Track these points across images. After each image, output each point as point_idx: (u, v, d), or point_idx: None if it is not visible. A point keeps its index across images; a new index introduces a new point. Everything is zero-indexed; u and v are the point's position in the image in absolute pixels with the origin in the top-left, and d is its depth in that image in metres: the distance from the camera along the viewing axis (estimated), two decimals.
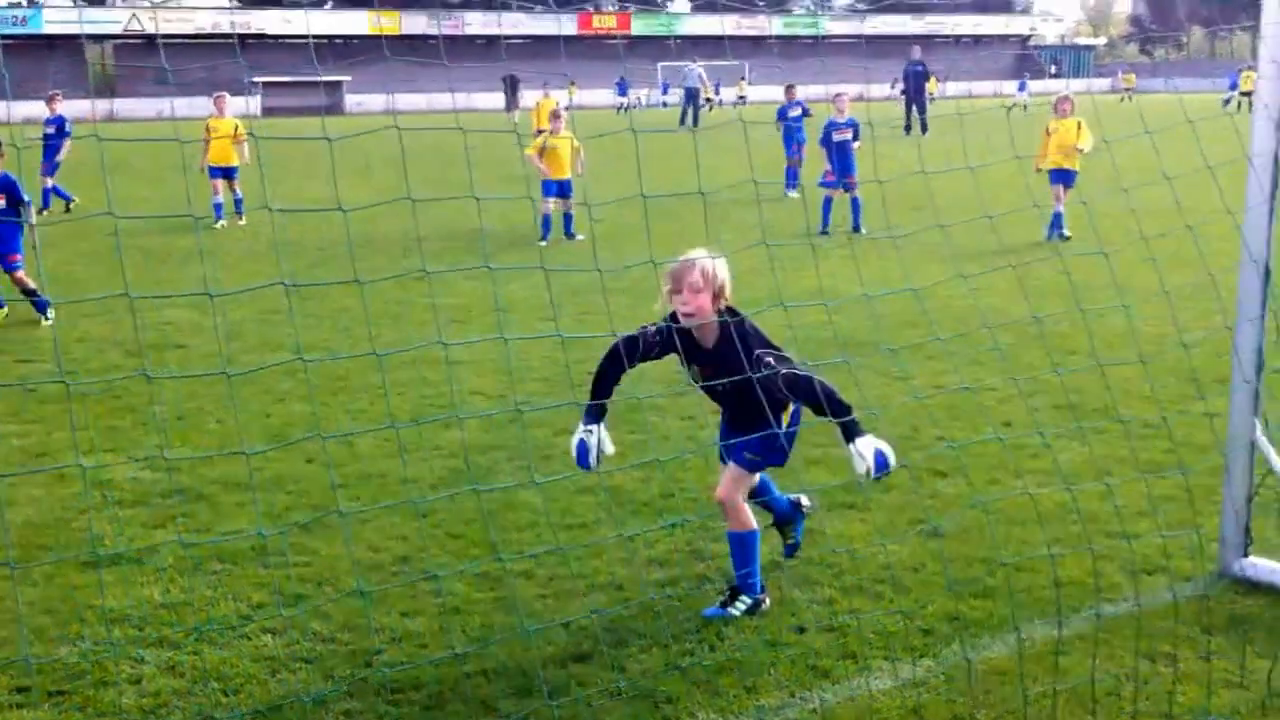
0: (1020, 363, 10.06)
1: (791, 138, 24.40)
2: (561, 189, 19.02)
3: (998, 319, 11.00)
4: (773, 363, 5.34)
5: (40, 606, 5.84)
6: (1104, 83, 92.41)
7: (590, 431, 5.46)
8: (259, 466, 7.82)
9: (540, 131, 22.46)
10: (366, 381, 9.95)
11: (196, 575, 6.21)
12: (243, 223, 21.63)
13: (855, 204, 19.08)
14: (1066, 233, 17.70)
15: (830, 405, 5.20)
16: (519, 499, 7.21)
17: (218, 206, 21.47)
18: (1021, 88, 63.44)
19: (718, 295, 5.42)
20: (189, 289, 14.35)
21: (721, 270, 5.43)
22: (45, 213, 22.93)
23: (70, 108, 26.75)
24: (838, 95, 20.43)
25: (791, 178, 24.24)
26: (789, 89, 25.33)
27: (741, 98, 70.65)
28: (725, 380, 5.41)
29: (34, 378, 10.47)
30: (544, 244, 18.41)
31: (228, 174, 21.76)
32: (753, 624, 5.61)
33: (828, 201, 19.33)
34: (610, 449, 5.49)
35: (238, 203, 21.96)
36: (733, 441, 5.72)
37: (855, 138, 19.28)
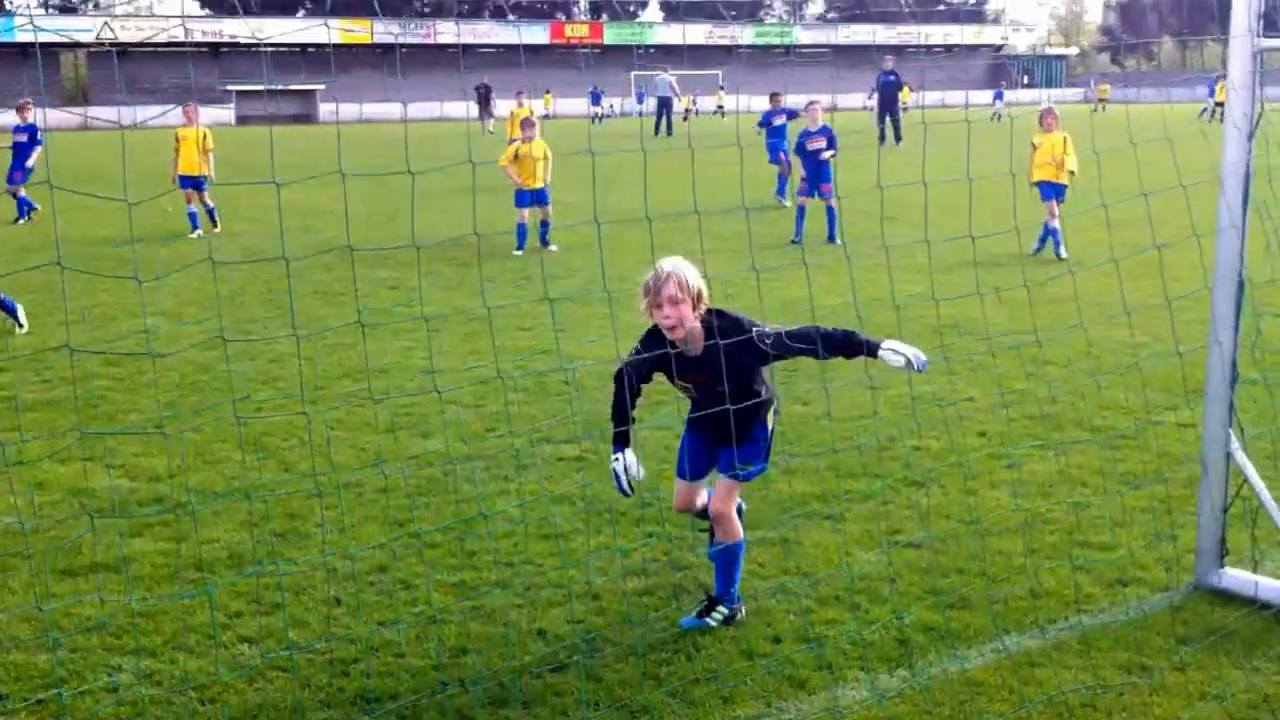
0: (995, 373, 10.12)
1: (777, 146, 24.38)
2: (536, 197, 18.87)
3: (974, 330, 11.05)
4: (769, 336, 5.42)
5: (18, 614, 5.82)
6: (1076, 93, 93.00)
7: (618, 459, 5.46)
8: (236, 475, 7.80)
9: (513, 140, 22.44)
10: (344, 390, 9.93)
11: (173, 584, 6.19)
12: (217, 230, 21.40)
13: (830, 213, 19.08)
14: (1064, 253, 16.69)
15: (843, 342, 5.44)
16: (496, 508, 7.21)
17: (192, 216, 21.23)
18: (998, 96, 63.83)
19: (697, 301, 5.42)
20: (166, 300, 14.30)
21: (695, 275, 5.43)
22: (24, 221, 22.84)
23: (43, 116, 26.51)
24: (810, 104, 20.47)
25: (782, 184, 24.36)
26: (774, 96, 25.14)
27: (720, 107, 70.73)
28: (716, 384, 5.40)
29: (11, 386, 10.41)
30: (520, 253, 18.38)
31: (196, 184, 21.27)
32: (729, 634, 5.62)
33: (801, 210, 19.35)
34: (640, 473, 5.47)
35: (210, 213, 21.63)
36: (720, 453, 5.71)
37: (830, 146, 19.28)
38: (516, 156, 18.97)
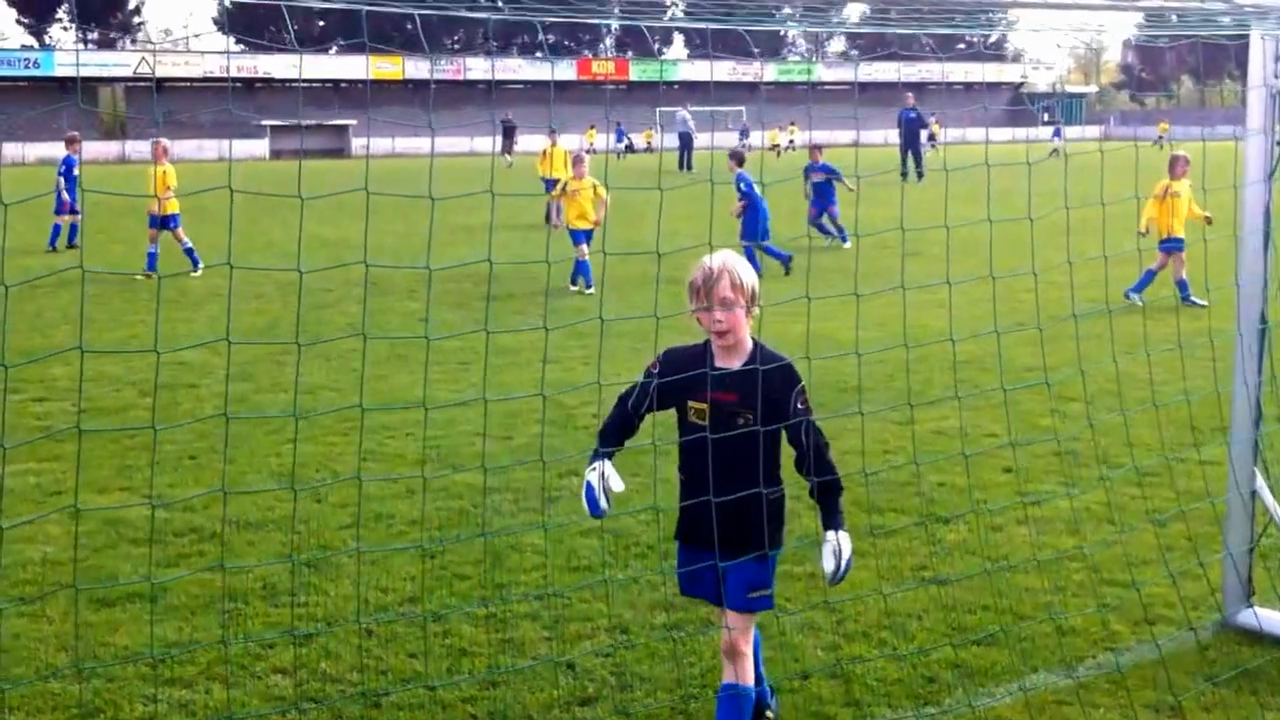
0: (1020, 409, 10.14)
1: (819, 206, 24.06)
2: (584, 235, 18.47)
3: (995, 366, 11.07)
4: (805, 408, 4.73)
5: (55, 644, 5.91)
6: (1096, 130, 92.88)
7: (594, 469, 4.70)
8: (269, 506, 7.90)
9: (551, 182, 22.49)
10: (375, 422, 10.03)
11: (208, 614, 6.27)
12: (197, 274, 20.19)
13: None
14: (1200, 300, 14.99)
15: (829, 485, 4.73)
16: (524, 541, 7.28)
17: (151, 256, 20.10)
18: (1057, 134, 63.71)
19: (751, 303, 4.72)
20: (202, 331, 14.44)
21: (750, 272, 4.75)
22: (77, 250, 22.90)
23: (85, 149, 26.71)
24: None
25: (821, 227, 23.90)
26: (814, 150, 24.82)
27: (791, 142, 68.58)
28: (750, 407, 4.64)
29: (50, 416, 10.55)
30: (591, 291, 17.84)
31: (164, 223, 20.33)
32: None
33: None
34: (618, 485, 4.69)
35: (188, 252, 20.46)
36: (724, 567, 4.73)
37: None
38: (564, 192, 18.72)
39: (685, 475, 4.87)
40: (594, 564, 6.94)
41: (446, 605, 6.39)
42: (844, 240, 23.35)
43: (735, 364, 4.72)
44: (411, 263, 19.85)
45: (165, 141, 21.56)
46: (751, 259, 19.23)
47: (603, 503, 4.66)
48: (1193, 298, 15.82)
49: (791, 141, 68.61)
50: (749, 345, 4.75)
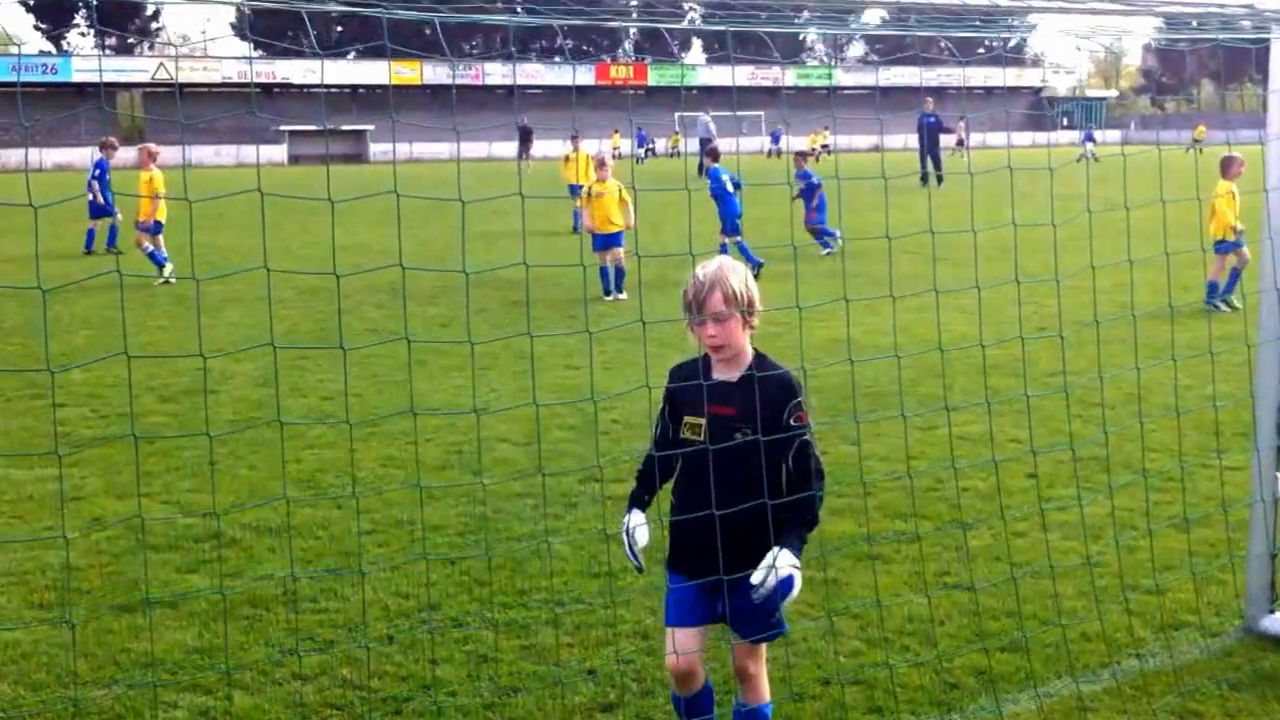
0: (1043, 414, 10.10)
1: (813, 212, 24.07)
2: (608, 241, 18.18)
3: (1019, 371, 11.05)
4: (803, 424, 4.43)
5: (76, 650, 5.92)
6: (1116, 134, 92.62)
7: (624, 524, 4.55)
8: (289, 512, 7.90)
9: (577, 188, 22.46)
10: (396, 428, 10.04)
11: (229, 620, 6.28)
12: (161, 282, 19.82)
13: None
14: (1223, 306, 15.82)
15: (815, 515, 4.43)
16: (546, 546, 7.27)
17: (151, 255, 20.22)
18: (1089, 138, 63.58)
19: (749, 312, 4.45)
20: (222, 336, 14.48)
21: (743, 281, 4.46)
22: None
23: (92, 155, 26.71)
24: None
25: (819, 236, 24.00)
26: (798, 157, 24.98)
27: (824, 147, 68.46)
28: (748, 421, 4.38)
29: (69, 422, 10.59)
30: (609, 298, 17.78)
31: (154, 228, 20.32)
32: (779, 676, 5.64)
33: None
34: (643, 539, 4.51)
35: (151, 256, 20.27)
36: (721, 601, 4.48)
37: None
38: (589, 198, 18.59)
39: (680, 499, 4.58)
40: (615, 569, 6.92)
41: (467, 611, 6.38)
42: (826, 247, 23.28)
43: (734, 376, 4.49)
44: (432, 268, 19.89)
45: (153, 146, 21.25)
46: (745, 251, 19.36)
47: (637, 561, 4.54)
48: (1216, 302, 15.91)
49: (825, 146, 68.51)
50: (749, 356, 4.51)
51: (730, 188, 20.40)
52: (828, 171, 24.21)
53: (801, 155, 25.14)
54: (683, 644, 4.49)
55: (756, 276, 16.61)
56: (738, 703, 4.73)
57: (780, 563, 4.24)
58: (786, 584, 4.24)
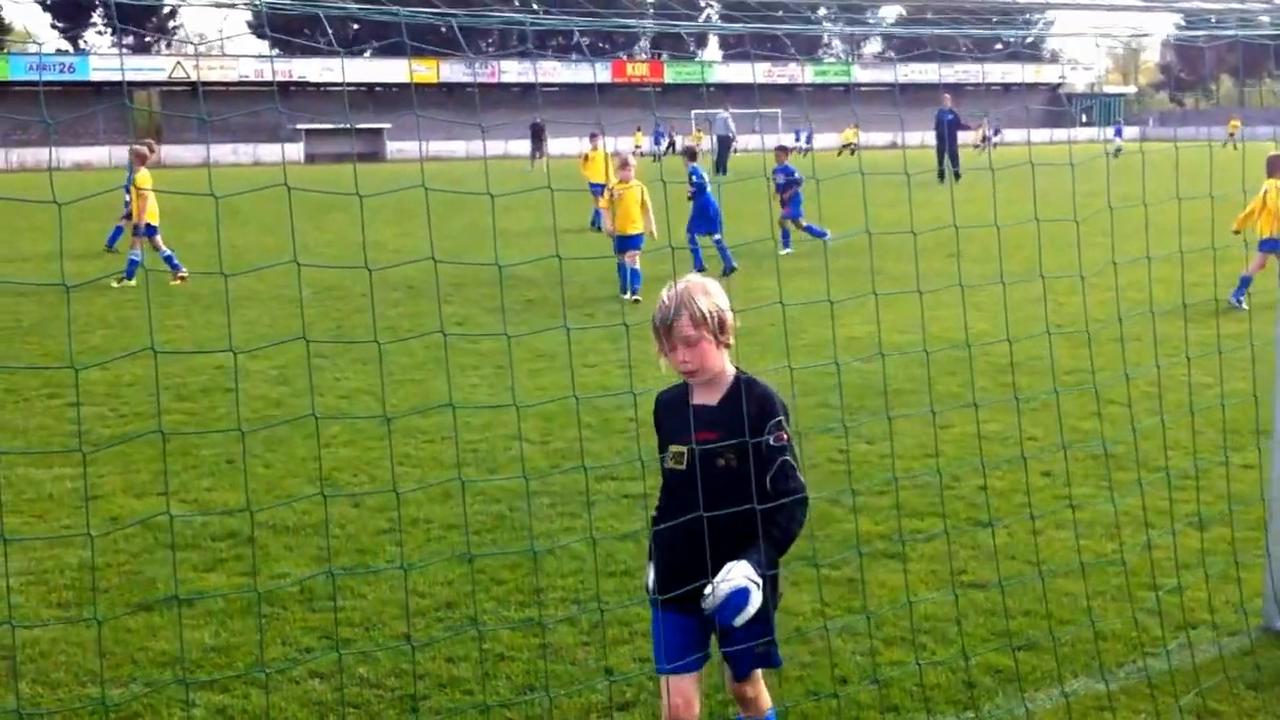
0: (1059, 412, 10.06)
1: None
2: (629, 243, 17.83)
3: (1037, 369, 11.03)
4: (782, 443, 4.19)
5: (93, 649, 5.94)
6: (1134, 130, 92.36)
7: (648, 568, 4.49)
8: (306, 510, 7.92)
9: (598, 186, 22.49)
10: (412, 426, 10.05)
11: (246, 618, 6.30)
12: (117, 285, 19.17)
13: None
14: (1245, 305, 15.41)
15: (788, 534, 4.18)
16: (563, 545, 7.28)
17: (131, 263, 19.60)
18: (1118, 133, 63.40)
19: (720, 332, 4.23)
20: (238, 334, 14.52)
21: (712, 300, 4.23)
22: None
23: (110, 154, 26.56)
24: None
25: (785, 236, 23.90)
26: (780, 151, 25.49)
27: (849, 146, 68.11)
28: (731, 446, 4.18)
29: (86, 420, 10.63)
30: (626, 298, 17.43)
31: (146, 232, 19.86)
32: (795, 674, 5.64)
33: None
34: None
35: (132, 264, 19.60)
36: (712, 632, 4.31)
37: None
38: (611, 198, 18.48)
39: (664, 528, 4.30)
40: (632, 568, 6.92)
41: (484, 610, 6.39)
42: (787, 246, 23.19)
43: (714, 399, 4.27)
44: (446, 266, 19.89)
45: (142, 149, 20.28)
46: (696, 254, 19.35)
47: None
48: (1241, 299, 15.65)
49: (849, 146, 68.36)
50: (729, 376, 4.28)
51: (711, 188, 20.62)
52: (846, 169, 24.37)
53: (783, 150, 25.54)
54: (680, 692, 4.29)
55: (724, 274, 16.37)
56: (740, 719, 4.66)
57: (734, 574, 3.98)
58: (739, 596, 3.97)
